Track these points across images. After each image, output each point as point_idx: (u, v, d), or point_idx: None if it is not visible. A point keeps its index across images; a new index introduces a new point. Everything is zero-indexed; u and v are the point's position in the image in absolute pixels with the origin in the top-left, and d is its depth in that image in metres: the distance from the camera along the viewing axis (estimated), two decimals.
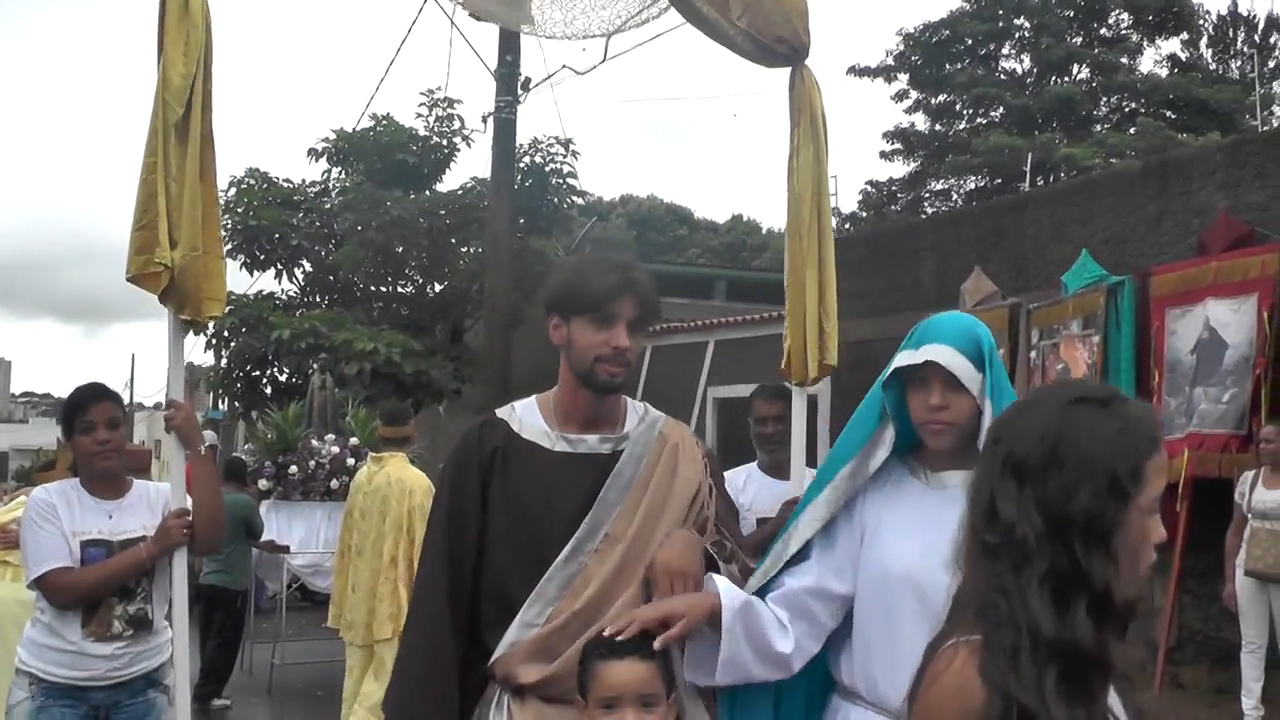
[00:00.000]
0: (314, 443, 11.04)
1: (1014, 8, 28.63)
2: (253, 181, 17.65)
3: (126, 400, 45.06)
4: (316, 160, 18.25)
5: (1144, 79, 28.21)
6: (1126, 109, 28.29)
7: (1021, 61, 29.70)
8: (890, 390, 2.74)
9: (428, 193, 17.89)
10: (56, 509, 3.89)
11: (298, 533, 10.35)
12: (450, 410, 18.03)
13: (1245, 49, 28.94)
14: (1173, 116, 26.46)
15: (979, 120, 28.93)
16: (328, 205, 17.86)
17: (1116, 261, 9.05)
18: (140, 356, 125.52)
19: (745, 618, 2.62)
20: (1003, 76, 29.48)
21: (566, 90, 32.72)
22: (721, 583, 2.63)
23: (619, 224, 43.06)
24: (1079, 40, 28.72)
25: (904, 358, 2.68)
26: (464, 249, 17.87)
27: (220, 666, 9.04)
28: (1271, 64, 28.55)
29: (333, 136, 18.09)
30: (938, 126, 29.86)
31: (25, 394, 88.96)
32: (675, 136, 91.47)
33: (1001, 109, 28.25)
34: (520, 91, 14.76)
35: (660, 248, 40.86)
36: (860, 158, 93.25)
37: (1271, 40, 28.82)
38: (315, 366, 12.17)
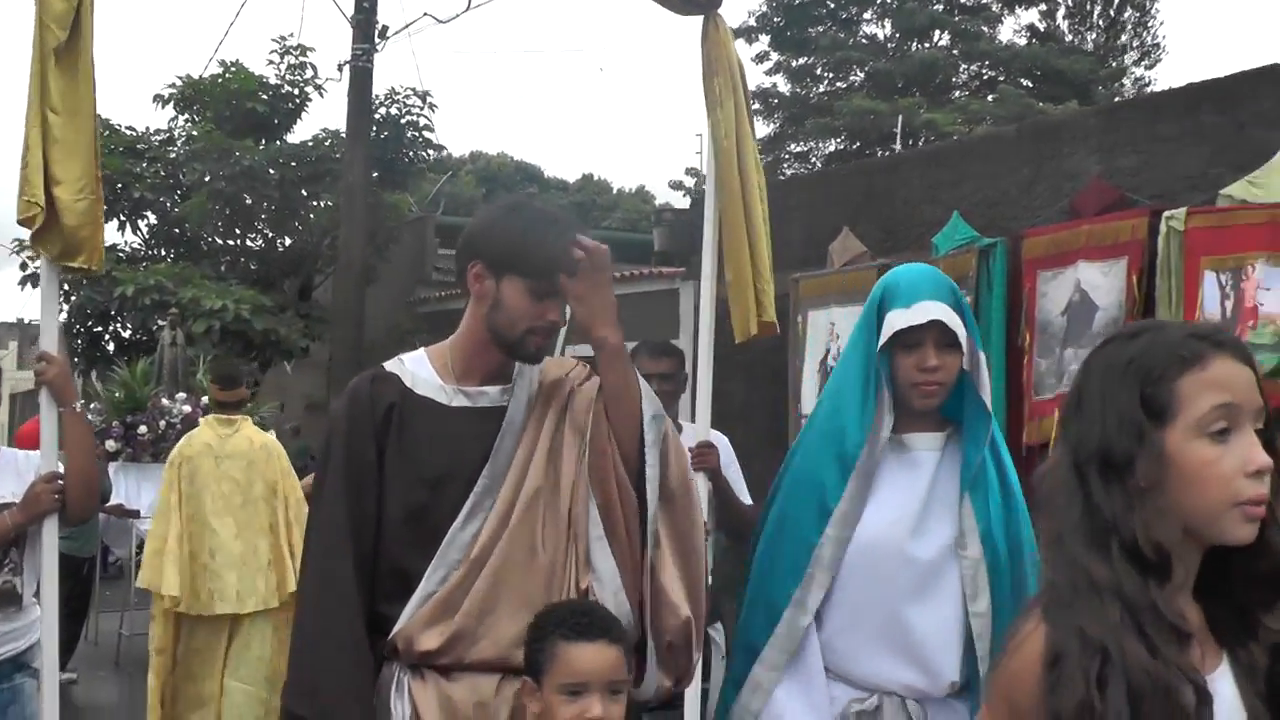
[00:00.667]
0: (164, 402, 10.52)
1: None
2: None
3: None
4: (162, 107, 17.47)
5: (1004, 48, 28.76)
6: (986, 76, 28.84)
7: (883, 26, 29.87)
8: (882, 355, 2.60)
9: (279, 143, 17.28)
10: None
11: (147, 496, 9.80)
12: (298, 369, 17.52)
13: (1100, 22, 29.85)
14: (1031, 85, 27.06)
15: (840, 84, 29.07)
16: (173, 155, 17.13)
17: (988, 224, 9.13)
18: None
19: None
20: (865, 41, 29.62)
21: (425, 40, 32.01)
22: None
23: (468, 180, 42.55)
24: (940, 7, 29.08)
25: (900, 319, 2.54)
26: (315, 203, 17.32)
27: (66, 639, 8.57)
28: (1124, 37, 29.49)
29: (179, 83, 17.32)
30: (798, 89, 29.90)
31: None
32: (531, 91, 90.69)
33: (863, 73, 28.41)
34: (378, 40, 14.39)
35: None
36: None
37: (1125, 15, 29.72)
38: (166, 322, 11.63)
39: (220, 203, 16.18)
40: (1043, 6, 30.00)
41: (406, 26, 14.96)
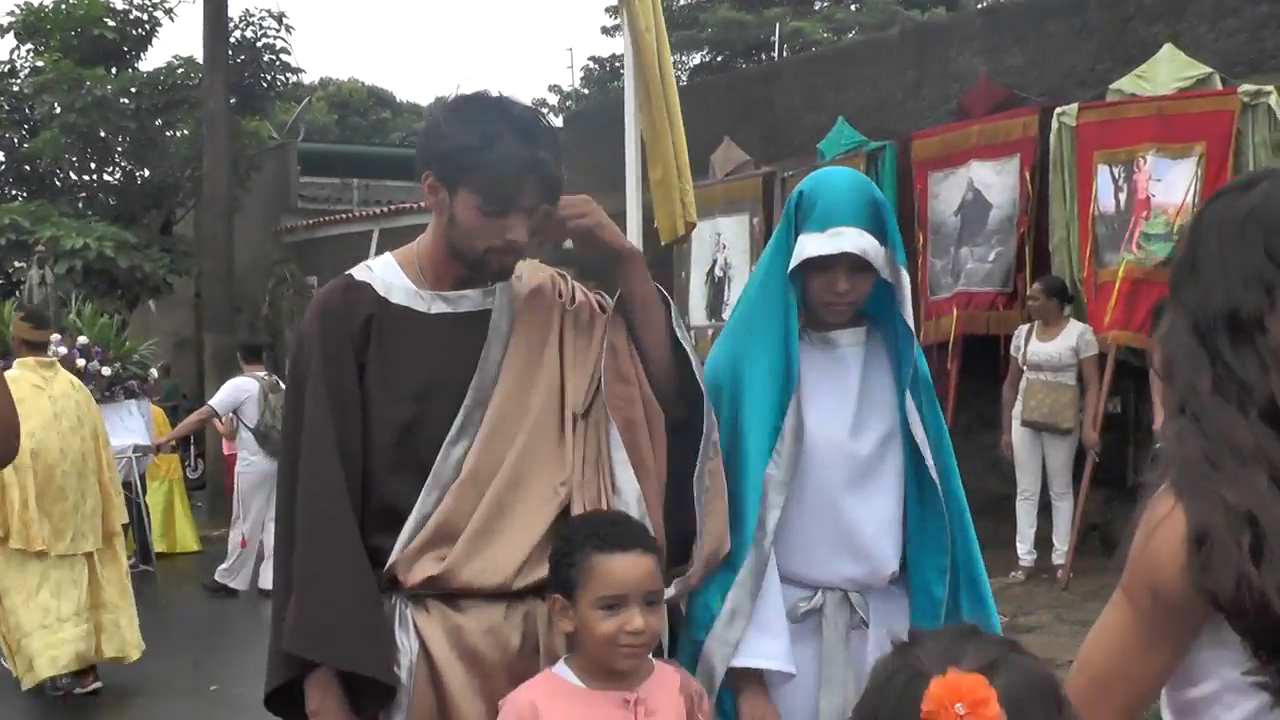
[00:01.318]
0: None
1: None
2: None
3: None
4: (2, 37, 16.70)
5: None
6: None
7: None
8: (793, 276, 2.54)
9: (130, 71, 16.58)
10: None
11: None
12: (162, 307, 16.93)
13: None
14: None
15: None
16: (17, 87, 16.43)
17: (875, 128, 9.16)
18: None
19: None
20: None
21: None
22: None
23: (320, 107, 41.47)
24: None
25: (812, 245, 2.48)
26: (172, 133, 16.69)
27: None
28: None
29: (19, 10, 16.49)
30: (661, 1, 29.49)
31: None
32: (380, 11, 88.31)
33: None
34: None
35: (364, 132, 39.49)
36: (584, 33, 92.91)
37: None
38: (34, 260, 11.11)
39: (73, 136, 15.53)
40: None
41: None
